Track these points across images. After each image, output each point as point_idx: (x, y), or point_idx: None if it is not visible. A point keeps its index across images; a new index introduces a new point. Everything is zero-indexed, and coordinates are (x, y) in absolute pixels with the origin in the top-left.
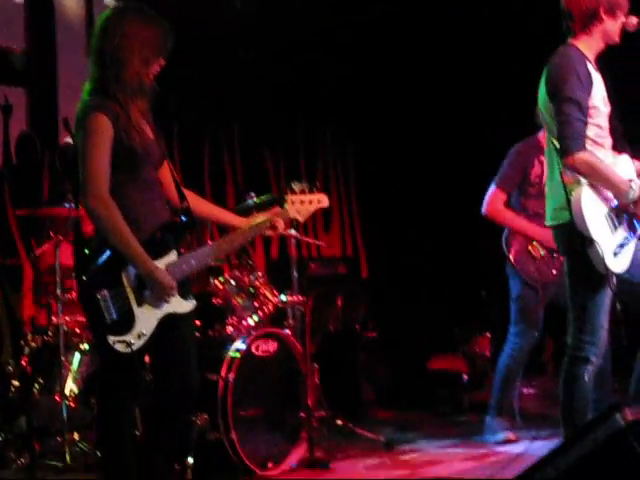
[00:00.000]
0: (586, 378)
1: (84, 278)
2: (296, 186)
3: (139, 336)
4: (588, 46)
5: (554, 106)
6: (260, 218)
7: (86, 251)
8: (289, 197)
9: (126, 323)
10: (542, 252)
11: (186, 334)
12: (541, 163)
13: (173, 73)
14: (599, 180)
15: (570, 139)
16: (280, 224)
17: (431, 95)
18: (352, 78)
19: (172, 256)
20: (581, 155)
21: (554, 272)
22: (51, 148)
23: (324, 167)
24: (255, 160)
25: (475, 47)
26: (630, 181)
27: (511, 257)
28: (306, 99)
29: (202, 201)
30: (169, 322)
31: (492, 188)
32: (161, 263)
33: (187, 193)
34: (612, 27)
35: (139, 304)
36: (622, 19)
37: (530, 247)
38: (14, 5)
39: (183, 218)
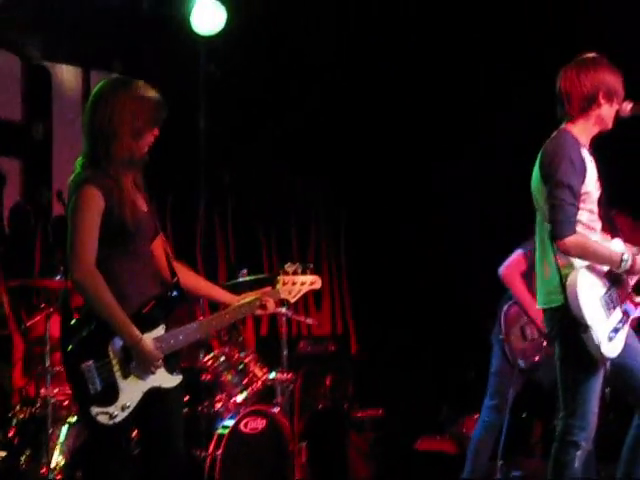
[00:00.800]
0: (576, 463)
1: (69, 348)
2: (289, 267)
3: (123, 408)
4: (583, 130)
5: (547, 190)
6: (250, 297)
7: (72, 322)
8: (281, 277)
9: (110, 395)
10: (535, 335)
11: (173, 408)
12: None
13: (166, 144)
14: (592, 258)
15: (562, 223)
16: (270, 304)
17: (422, 168)
18: (347, 152)
19: (160, 330)
20: (572, 238)
21: (537, 359)
22: (44, 220)
23: (316, 244)
24: (247, 234)
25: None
26: (622, 254)
27: (503, 327)
28: (300, 175)
29: (194, 276)
30: (155, 396)
31: (517, 252)
32: (149, 337)
33: (179, 267)
34: (608, 113)
35: (124, 376)
36: (617, 107)
37: (526, 326)
38: (12, 76)
39: (173, 293)
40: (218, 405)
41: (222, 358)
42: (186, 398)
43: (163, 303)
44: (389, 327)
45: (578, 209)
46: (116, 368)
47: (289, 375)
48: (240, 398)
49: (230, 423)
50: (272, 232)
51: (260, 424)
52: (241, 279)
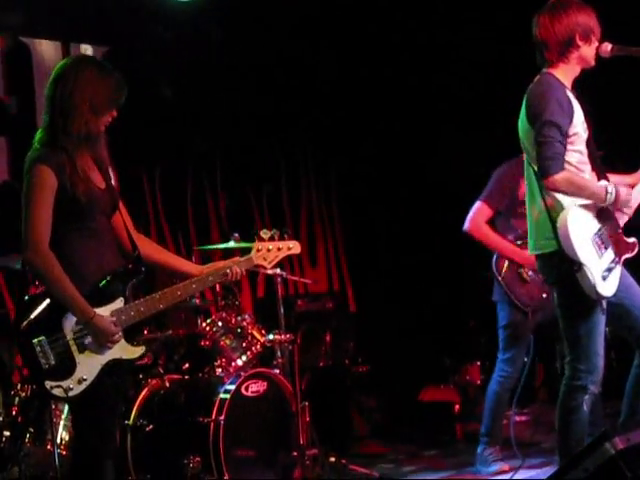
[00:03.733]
0: (584, 407)
1: (22, 325)
2: (264, 234)
3: (79, 381)
4: (565, 73)
5: (535, 131)
6: (217, 265)
7: (25, 299)
8: (256, 244)
9: (66, 369)
10: (533, 275)
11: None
12: None
13: (153, 115)
14: (579, 192)
15: (550, 160)
16: (235, 272)
17: (415, 122)
18: (333, 104)
19: (118, 303)
20: (561, 174)
21: (544, 295)
22: None
23: (308, 203)
24: (238, 198)
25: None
26: (606, 186)
27: (501, 280)
28: (286, 131)
29: (159, 249)
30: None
31: (477, 204)
32: (106, 310)
33: (142, 240)
34: (588, 52)
35: (80, 350)
36: (596, 44)
37: (520, 270)
38: None
39: (132, 266)
40: (218, 370)
41: (220, 323)
42: (186, 365)
43: (121, 276)
44: (386, 281)
45: (565, 147)
46: (71, 343)
47: (288, 335)
48: (240, 362)
49: (231, 387)
50: (262, 194)
51: (261, 386)
52: (232, 244)
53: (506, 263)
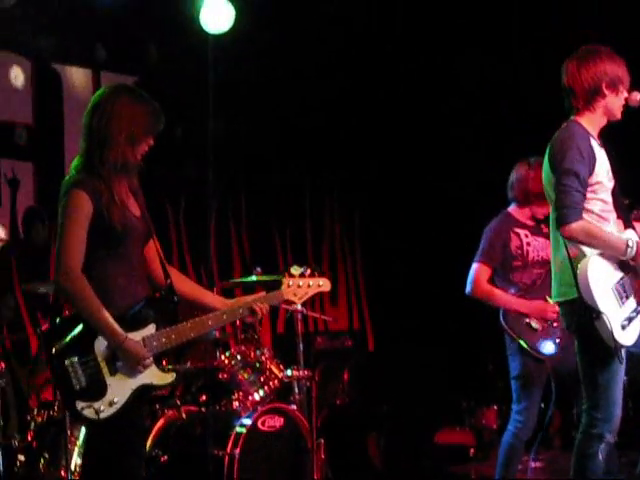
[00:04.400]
0: (600, 457)
1: (54, 347)
2: (295, 270)
3: (110, 404)
4: (591, 122)
5: (555, 179)
6: (247, 299)
7: (57, 321)
8: (286, 280)
9: (97, 390)
10: (540, 325)
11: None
12: (517, 235)
13: (178, 147)
14: (597, 243)
15: (567, 209)
16: (262, 310)
17: (439, 161)
18: (359, 152)
19: (150, 329)
20: (578, 223)
21: (557, 341)
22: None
23: (331, 241)
24: (262, 232)
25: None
26: (627, 240)
27: (512, 333)
28: (312, 170)
29: (186, 280)
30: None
31: (474, 265)
32: (137, 335)
33: (173, 272)
34: (614, 103)
35: (112, 373)
36: (624, 94)
37: (530, 321)
38: (21, 80)
39: (164, 294)
40: (235, 404)
41: (238, 357)
42: (203, 397)
43: (153, 303)
44: (406, 321)
45: (585, 196)
46: (102, 365)
47: (306, 372)
48: (257, 396)
49: (248, 422)
50: (287, 230)
51: (278, 422)
52: (254, 277)
53: (515, 317)
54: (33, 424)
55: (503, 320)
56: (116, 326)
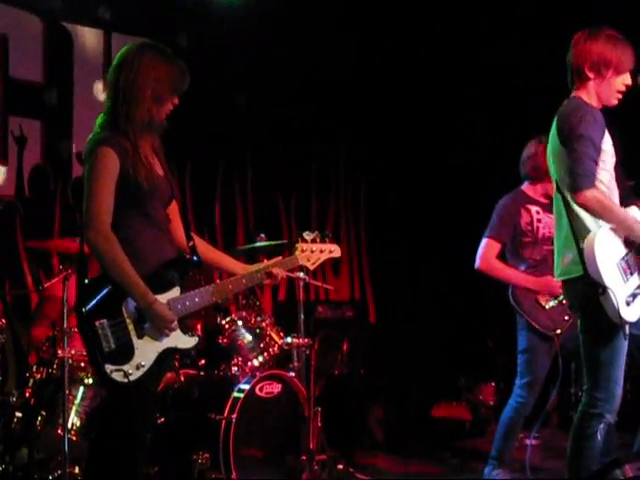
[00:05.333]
0: (598, 436)
1: (83, 308)
2: (308, 235)
3: (138, 367)
4: (590, 99)
5: (567, 146)
6: (264, 265)
7: (86, 283)
8: (300, 245)
9: (125, 353)
10: (551, 302)
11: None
12: (528, 211)
13: (187, 112)
14: (608, 217)
15: (582, 176)
16: (281, 274)
17: (443, 139)
18: (366, 117)
19: (175, 292)
20: (592, 192)
21: (566, 318)
22: (64, 181)
23: (335, 211)
24: (266, 201)
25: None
26: None
27: (521, 310)
28: (319, 143)
29: (207, 245)
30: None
31: (484, 241)
32: (163, 298)
33: (193, 235)
34: (602, 88)
35: (139, 336)
36: (622, 80)
37: (538, 298)
38: (32, 39)
39: (188, 256)
40: (234, 369)
41: (239, 322)
42: (202, 361)
43: (178, 265)
44: (407, 295)
45: (598, 165)
46: (130, 327)
47: (306, 340)
48: (256, 362)
49: (246, 387)
50: (291, 198)
51: (276, 388)
52: (258, 244)
53: (524, 293)
54: (32, 381)
55: (512, 297)
56: (145, 287)
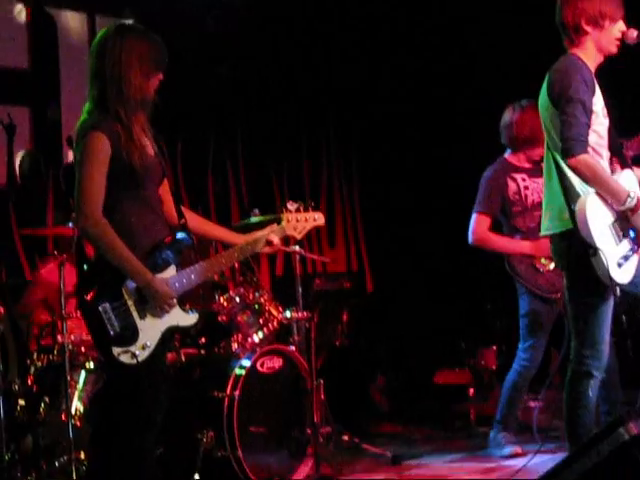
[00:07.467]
0: (590, 393)
1: (85, 294)
2: (291, 205)
3: (143, 347)
4: (586, 56)
5: (558, 108)
6: (257, 235)
7: (85, 268)
8: (285, 215)
9: (130, 335)
10: (549, 266)
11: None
12: (514, 180)
13: (174, 89)
14: (599, 185)
15: (574, 140)
16: (275, 240)
17: (436, 110)
18: (357, 91)
19: (171, 271)
20: (584, 157)
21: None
22: (55, 167)
23: (328, 182)
24: (259, 176)
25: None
26: (629, 192)
27: (519, 277)
28: (310, 113)
29: (200, 219)
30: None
31: (473, 216)
32: (161, 277)
33: (185, 211)
34: (601, 38)
35: (141, 316)
36: (618, 27)
37: (534, 262)
38: (17, 25)
39: (181, 235)
40: (234, 346)
41: (237, 299)
42: (202, 340)
43: (173, 245)
44: (404, 262)
45: (589, 127)
46: (132, 309)
47: (305, 313)
48: (256, 338)
49: (247, 363)
50: (284, 172)
51: (277, 363)
52: (252, 219)
53: (518, 259)
54: (33, 368)
55: (507, 265)
56: (142, 265)
